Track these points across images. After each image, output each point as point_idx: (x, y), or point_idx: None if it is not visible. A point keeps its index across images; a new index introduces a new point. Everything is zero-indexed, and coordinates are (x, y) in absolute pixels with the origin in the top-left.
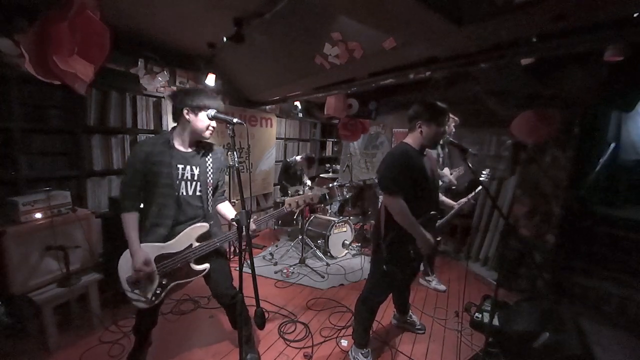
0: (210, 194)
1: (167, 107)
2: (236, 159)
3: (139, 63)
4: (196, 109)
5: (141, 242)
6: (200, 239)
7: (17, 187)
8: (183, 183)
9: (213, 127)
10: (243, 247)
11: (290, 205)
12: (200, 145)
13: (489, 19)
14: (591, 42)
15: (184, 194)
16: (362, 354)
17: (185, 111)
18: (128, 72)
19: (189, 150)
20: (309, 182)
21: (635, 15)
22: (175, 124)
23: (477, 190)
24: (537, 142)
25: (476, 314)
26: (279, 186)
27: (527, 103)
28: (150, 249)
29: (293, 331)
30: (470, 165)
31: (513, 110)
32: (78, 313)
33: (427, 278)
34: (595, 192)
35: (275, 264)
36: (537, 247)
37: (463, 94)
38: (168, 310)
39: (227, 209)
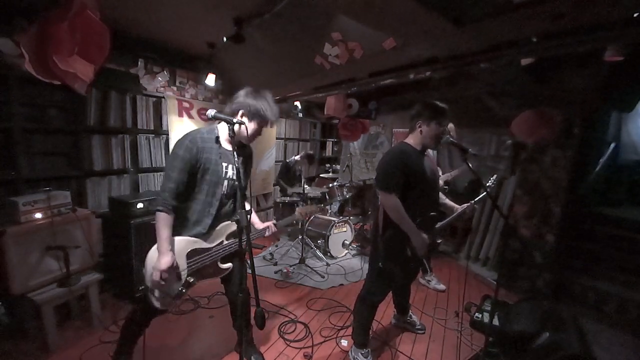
0: (240, 194)
1: (167, 107)
2: (236, 159)
3: (139, 63)
4: (255, 117)
5: (178, 234)
6: (229, 236)
7: (17, 187)
8: (225, 182)
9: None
10: (243, 247)
11: (300, 214)
12: (241, 145)
13: (488, 19)
14: (591, 42)
15: (225, 192)
16: (362, 354)
17: (241, 112)
18: (128, 72)
19: (232, 149)
20: (306, 186)
21: (635, 15)
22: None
23: (480, 196)
24: (537, 142)
25: (476, 314)
26: (278, 186)
27: (527, 103)
28: (185, 243)
29: (293, 331)
30: (470, 165)
31: (513, 110)
32: (78, 313)
33: (426, 278)
34: (595, 192)
35: (275, 264)
36: (537, 247)
37: (463, 94)
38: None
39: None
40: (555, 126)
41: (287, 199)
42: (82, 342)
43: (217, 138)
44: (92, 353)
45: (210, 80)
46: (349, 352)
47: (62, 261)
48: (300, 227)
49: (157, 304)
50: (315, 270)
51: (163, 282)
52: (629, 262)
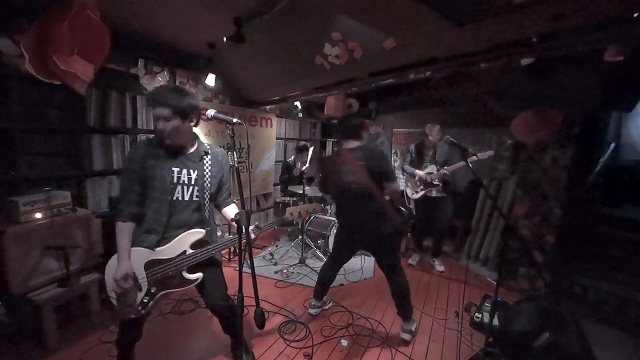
0: (207, 199)
1: None
2: (236, 159)
3: (139, 63)
4: (197, 112)
5: (133, 245)
6: (195, 245)
7: (17, 187)
8: (178, 187)
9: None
10: (243, 247)
11: (292, 214)
12: (199, 148)
13: (489, 19)
14: (591, 42)
15: (179, 198)
16: (414, 323)
17: (191, 117)
18: (128, 72)
19: (188, 152)
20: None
21: (635, 15)
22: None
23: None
24: (537, 142)
25: (476, 314)
26: (279, 186)
27: (527, 103)
28: (141, 254)
29: (293, 331)
30: (470, 165)
31: (513, 110)
32: (78, 313)
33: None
34: (595, 192)
35: (275, 264)
36: (537, 247)
37: (463, 94)
38: (168, 310)
39: (233, 211)
40: (555, 126)
41: (288, 198)
42: (82, 342)
43: (160, 142)
44: (92, 353)
45: (210, 80)
46: (403, 329)
47: (62, 261)
48: (300, 227)
49: (126, 315)
50: (315, 270)
51: (123, 291)
52: (629, 262)
